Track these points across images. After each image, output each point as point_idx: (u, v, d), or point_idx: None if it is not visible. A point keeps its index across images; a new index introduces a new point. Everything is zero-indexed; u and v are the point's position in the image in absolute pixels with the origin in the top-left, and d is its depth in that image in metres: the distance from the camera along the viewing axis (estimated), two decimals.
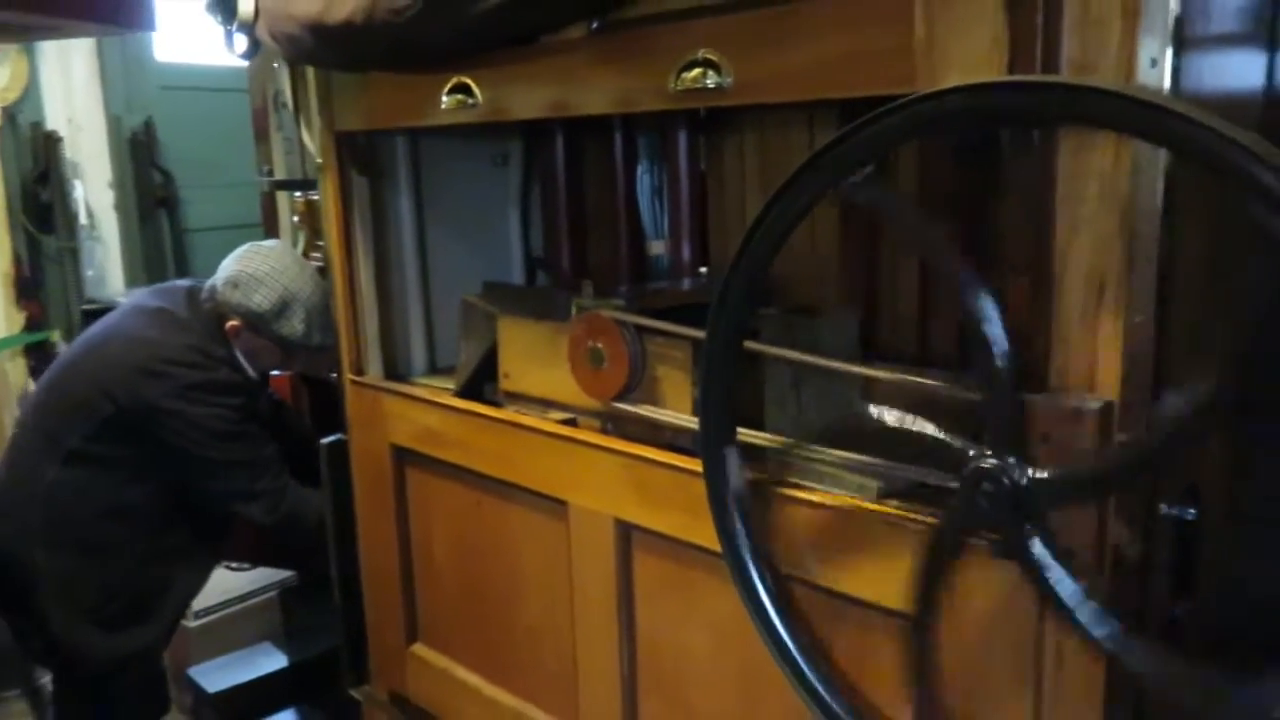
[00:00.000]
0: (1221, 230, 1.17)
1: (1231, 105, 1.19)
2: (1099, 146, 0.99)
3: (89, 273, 4.59)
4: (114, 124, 4.56)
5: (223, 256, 2.39)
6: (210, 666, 2.95)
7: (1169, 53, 0.99)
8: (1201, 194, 1.06)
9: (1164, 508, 1.10)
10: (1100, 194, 1.00)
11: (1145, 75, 0.97)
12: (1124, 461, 0.99)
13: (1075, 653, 1.08)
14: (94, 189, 4.60)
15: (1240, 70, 1.23)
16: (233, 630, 3.06)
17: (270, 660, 3.01)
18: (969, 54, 1.05)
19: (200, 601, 2.88)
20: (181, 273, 4.64)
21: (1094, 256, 1.01)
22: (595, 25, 1.42)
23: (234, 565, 3.11)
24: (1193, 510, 1.10)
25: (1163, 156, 0.99)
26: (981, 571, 1.11)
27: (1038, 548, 1.00)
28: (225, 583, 3.04)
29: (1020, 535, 1.00)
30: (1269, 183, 0.79)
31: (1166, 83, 0.99)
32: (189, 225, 4.80)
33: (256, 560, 3.08)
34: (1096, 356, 1.02)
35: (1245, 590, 1.28)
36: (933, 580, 1.11)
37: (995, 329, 1.00)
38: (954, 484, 1.07)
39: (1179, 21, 0.99)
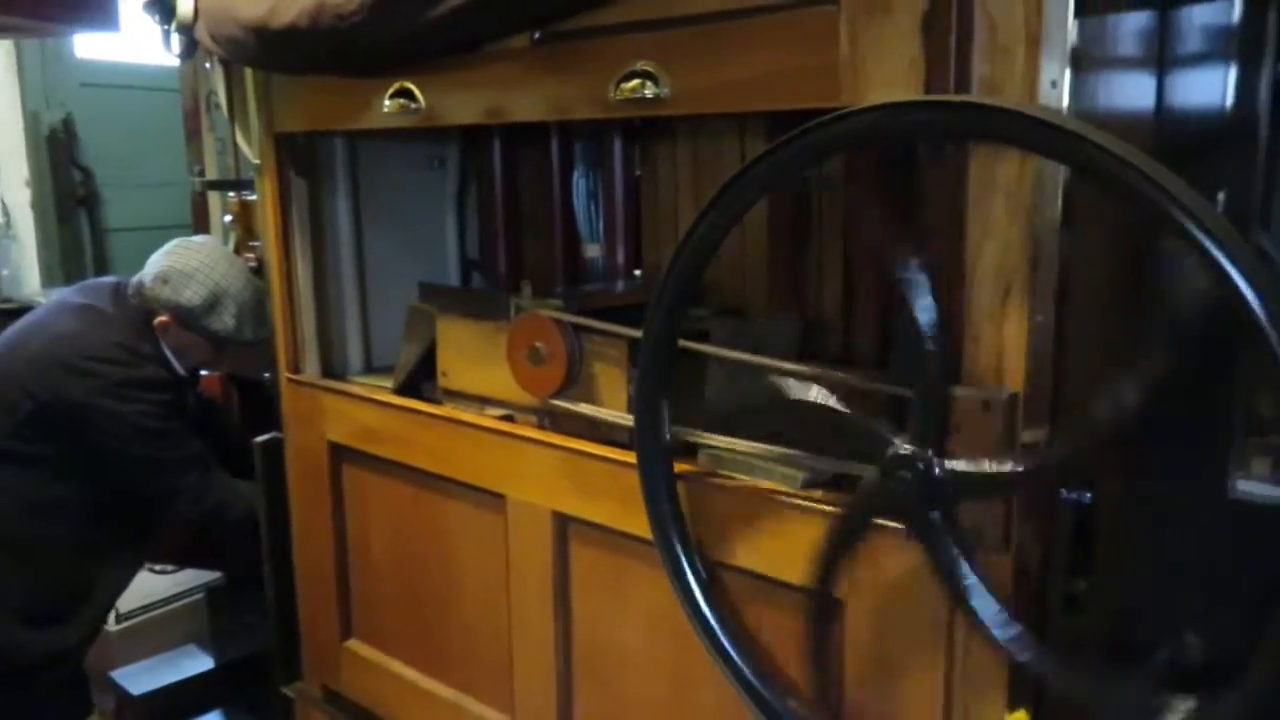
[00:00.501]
0: (1115, 240, 1.28)
1: (1125, 124, 1.29)
2: (1005, 160, 1.08)
3: (4, 272, 4.47)
4: (31, 120, 4.45)
5: (146, 257, 2.38)
6: (134, 669, 2.91)
7: (1068, 75, 1.09)
8: (1096, 208, 1.16)
9: (1063, 492, 1.20)
10: (1006, 204, 1.09)
11: (1046, 95, 1.07)
12: (1030, 467, 1.07)
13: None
14: (10, 187, 4.48)
15: (1133, 91, 1.34)
16: (157, 633, 3.02)
17: (196, 662, 2.97)
18: (889, 73, 1.13)
19: (122, 605, 2.84)
20: (100, 272, 4.53)
21: (1001, 260, 1.10)
22: (537, 35, 1.48)
23: (157, 568, 3.08)
24: (1089, 494, 1.20)
25: (1062, 173, 1.09)
26: (895, 552, 1.20)
27: (943, 535, 1.08)
28: (148, 585, 3.00)
29: (928, 520, 1.09)
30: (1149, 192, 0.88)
31: (1065, 102, 1.08)
32: (110, 225, 4.70)
33: (182, 562, 3.04)
34: (1003, 352, 1.11)
35: (1138, 568, 1.39)
36: (837, 558, 1.20)
37: (928, 316, 1.08)
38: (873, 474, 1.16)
39: (1076, 48, 1.08)
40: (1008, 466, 1.07)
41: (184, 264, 2.30)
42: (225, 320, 2.31)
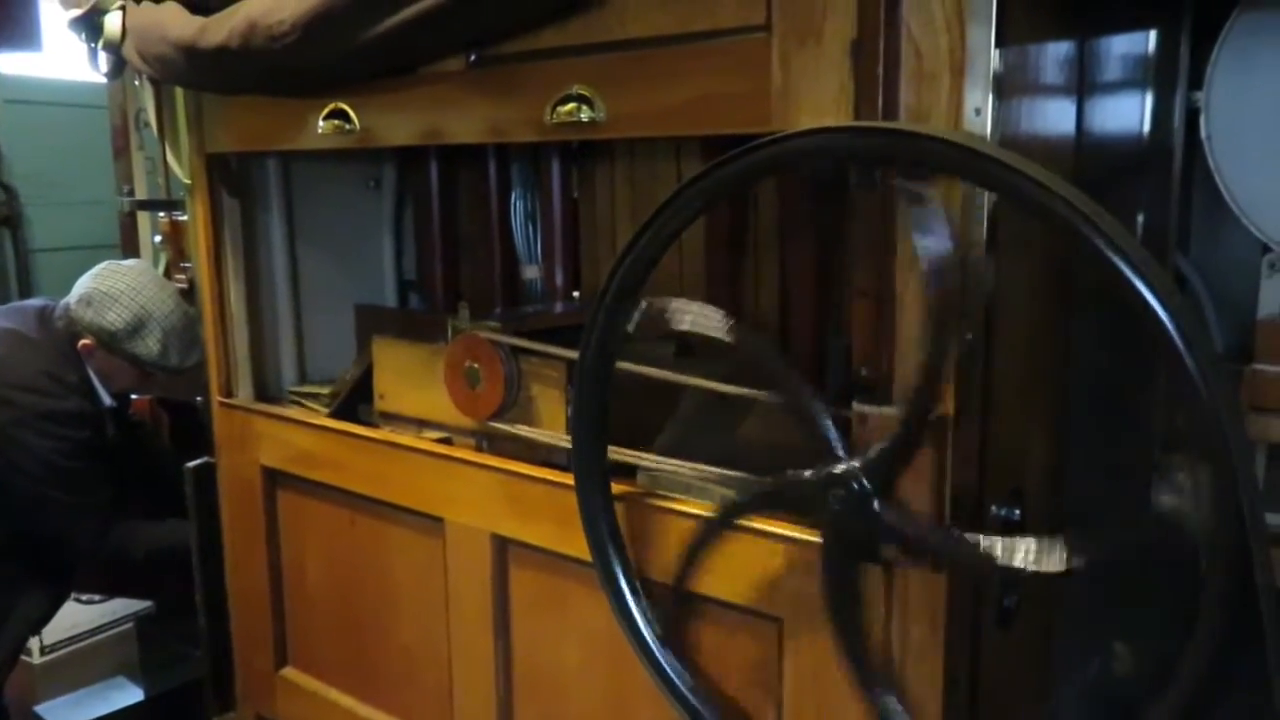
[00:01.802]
0: (1035, 264, 1.31)
1: (1047, 149, 1.33)
2: (932, 184, 1.11)
3: None
4: None
5: (72, 277, 2.34)
6: (60, 703, 2.83)
7: (991, 102, 1.12)
8: (1020, 231, 1.19)
9: (993, 509, 1.22)
10: None
11: (971, 122, 1.09)
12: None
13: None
14: None
15: (1054, 118, 1.38)
16: (84, 665, 2.93)
17: (125, 694, 2.90)
18: (819, 99, 1.16)
19: (48, 636, 2.76)
20: (25, 294, 4.42)
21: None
22: (474, 58, 1.48)
23: (84, 598, 2.99)
24: (1018, 511, 1.23)
25: (987, 197, 1.12)
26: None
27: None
28: (75, 615, 2.92)
29: (873, 521, 1.11)
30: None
31: (989, 129, 1.11)
32: (35, 245, 4.58)
33: (110, 591, 2.96)
34: None
35: (1063, 581, 1.42)
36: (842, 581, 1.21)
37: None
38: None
39: (999, 76, 1.11)
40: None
41: (109, 287, 2.26)
42: (149, 345, 2.26)
